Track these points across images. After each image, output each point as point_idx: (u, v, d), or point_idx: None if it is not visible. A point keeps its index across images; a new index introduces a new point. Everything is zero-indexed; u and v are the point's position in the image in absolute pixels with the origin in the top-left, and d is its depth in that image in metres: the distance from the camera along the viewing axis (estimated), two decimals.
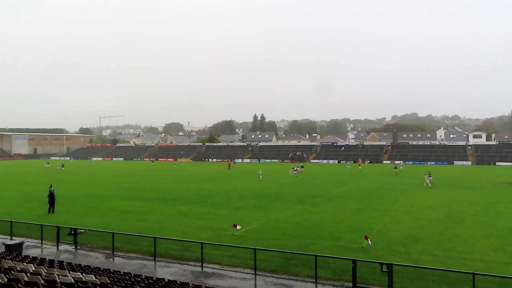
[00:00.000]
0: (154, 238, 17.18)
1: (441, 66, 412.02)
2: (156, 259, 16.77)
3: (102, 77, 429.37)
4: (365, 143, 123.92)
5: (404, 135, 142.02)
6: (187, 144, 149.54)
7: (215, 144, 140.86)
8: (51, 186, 29.34)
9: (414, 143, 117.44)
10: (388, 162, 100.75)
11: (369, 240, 17.71)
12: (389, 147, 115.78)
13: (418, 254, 16.98)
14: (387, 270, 13.36)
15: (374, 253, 17.06)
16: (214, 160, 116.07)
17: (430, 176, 44.97)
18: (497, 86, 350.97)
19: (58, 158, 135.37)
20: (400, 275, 13.94)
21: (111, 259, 17.14)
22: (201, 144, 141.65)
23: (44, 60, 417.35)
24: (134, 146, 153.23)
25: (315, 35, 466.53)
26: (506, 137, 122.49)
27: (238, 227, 20.68)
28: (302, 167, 62.41)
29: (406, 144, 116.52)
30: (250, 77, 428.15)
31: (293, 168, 61.28)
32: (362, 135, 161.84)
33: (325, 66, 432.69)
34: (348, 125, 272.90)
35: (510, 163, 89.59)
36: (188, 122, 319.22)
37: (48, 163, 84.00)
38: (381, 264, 13.73)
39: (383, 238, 19.63)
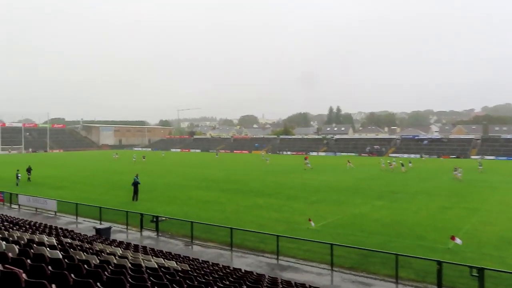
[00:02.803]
0: (231, 228, 17.64)
1: None
2: (233, 249, 17.21)
3: (182, 70, 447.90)
4: (450, 137, 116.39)
5: (496, 128, 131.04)
6: (262, 136, 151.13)
7: (289, 136, 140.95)
8: (136, 176, 31.43)
9: (508, 136, 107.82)
10: (478, 157, 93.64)
11: (458, 240, 16.53)
12: (479, 141, 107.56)
13: None
14: (477, 275, 12.42)
15: (462, 255, 15.98)
16: (289, 153, 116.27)
17: (456, 170, 45.02)
18: None
19: (140, 148, 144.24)
20: (492, 280, 12.91)
21: (190, 247, 17.92)
22: (276, 136, 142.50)
23: (131, 52, 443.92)
24: (210, 138, 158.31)
25: (397, 22, 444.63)
26: None
27: (312, 224, 20.47)
28: (402, 164, 59.66)
29: (499, 138, 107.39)
30: (327, 69, 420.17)
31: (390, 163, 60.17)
32: (447, 128, 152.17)
33: (404, 55, 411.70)
34: (431, 117, 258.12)
35: None
36: (263, 114, 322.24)
37: (116, 154, 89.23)
38: (471, 267, 12.78)
39: (472, 239, 18.31)
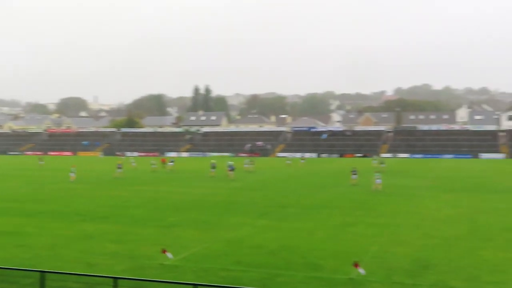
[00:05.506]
0: (42, 272, 16.76)
1: (464, 21, 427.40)
2: None
3: None
4: (356, 128, 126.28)
5: (412, 117, 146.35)
6: (94, 130, 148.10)
7: (136, 129, 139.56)
8: None
9: (426, 127, 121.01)
10: (389, 155, 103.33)
11: (361, 269, 18.10)
12: (391, 134, 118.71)
13: (430, 286, 17.53)
14: None
15: (368, 286, 17.48)
16: (136, 153, 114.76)
17: (354, 174, 50.46)
18: None
19: None
20: None
21: None
22: (116, 129, 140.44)
23: None
24: (10, 132, 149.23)
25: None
26: None
27: (170, 255, 20.54)
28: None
29: (414, 130, 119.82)
30: (191, 36, 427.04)
31: (230, 166, 58.26)
32: (352, 116, 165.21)
33: (302, 24, 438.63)
34: (332, 102, 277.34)
35: None
36: (96, 97, 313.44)
37: None
38: None
39: (381, 265, 20.14)
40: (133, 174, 64.27)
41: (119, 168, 59.89)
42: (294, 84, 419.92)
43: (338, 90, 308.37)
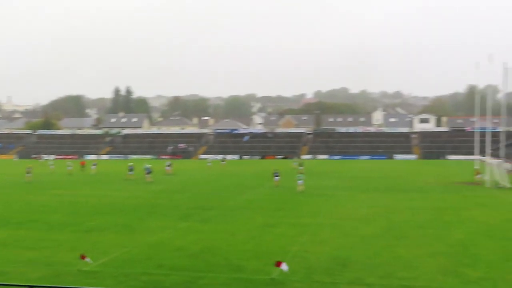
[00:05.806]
0: None
1: (378, 28, 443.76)
2: None
3: None
4: (277, 130, 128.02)
5: (331, 119, 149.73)
6: (7, 132, 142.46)
7: (53, 132, 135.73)
8: None
9: (344, 130, 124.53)
10: (309, 157, 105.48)
11: (285, 266, 18.33)
12: (310, 136, 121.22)
13: (348, 284, 18.03)
14: None
15: (289, 285, 17.75)
16: (53, 156, 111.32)
17: (276, 176, 50.74)
18: (452, 57, 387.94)
19: None
20: None
21: None
22: (31, 131, 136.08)
23: None
24: None
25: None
26: (460, 121, 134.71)
27: (88, 259, 20.05)
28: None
29: (333, 132, 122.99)
30: (112, 36, 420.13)
31: (147, 169, 56.95)
32: (273, 118, 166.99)
33: (231, 25, 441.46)
34: (253, 104, 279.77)
35: (464, 156, 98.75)
36: (9, 97, 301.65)
37: None
38: None
39: (301, 264, 20.50)
40: (50, 177, 62.49)
41: (28, 172, 57.58)
42: (217, 86, 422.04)
43: (260, 93, 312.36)
